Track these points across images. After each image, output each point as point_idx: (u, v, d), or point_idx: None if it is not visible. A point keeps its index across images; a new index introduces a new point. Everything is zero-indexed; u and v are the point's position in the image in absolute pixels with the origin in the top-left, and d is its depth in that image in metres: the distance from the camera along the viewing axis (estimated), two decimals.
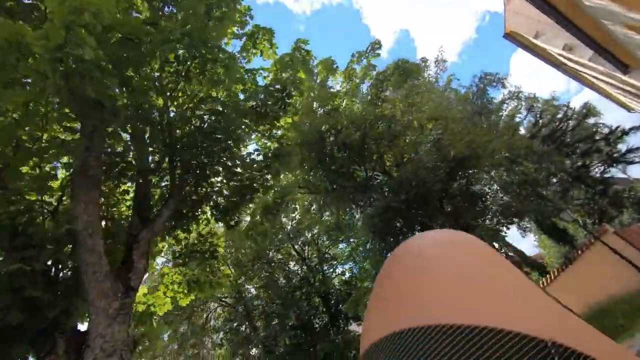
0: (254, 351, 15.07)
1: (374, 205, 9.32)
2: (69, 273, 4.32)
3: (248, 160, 5.19)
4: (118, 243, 4.09)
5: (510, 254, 15.39)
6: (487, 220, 10.67)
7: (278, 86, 5.00)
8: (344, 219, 10.01)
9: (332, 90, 10.68)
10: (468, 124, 16.57)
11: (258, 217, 6.42)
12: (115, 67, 3.61)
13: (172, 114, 4.41)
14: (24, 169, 4.07)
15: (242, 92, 4.95)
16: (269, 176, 5.19)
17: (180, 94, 4.22)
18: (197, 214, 4.84)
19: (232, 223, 5.28)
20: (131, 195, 4.79)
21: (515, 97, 19.50)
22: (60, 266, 4.24)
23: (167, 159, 4.52)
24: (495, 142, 10.66)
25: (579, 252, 13.32)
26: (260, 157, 5.31)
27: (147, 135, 4.29)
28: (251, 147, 6.78)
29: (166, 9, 4.31)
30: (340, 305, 10.83)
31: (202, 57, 3.97)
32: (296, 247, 17.22)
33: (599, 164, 20.32)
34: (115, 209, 4.47)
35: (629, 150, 19.41)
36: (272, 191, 6.97)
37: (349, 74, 10.47)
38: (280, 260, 16.26)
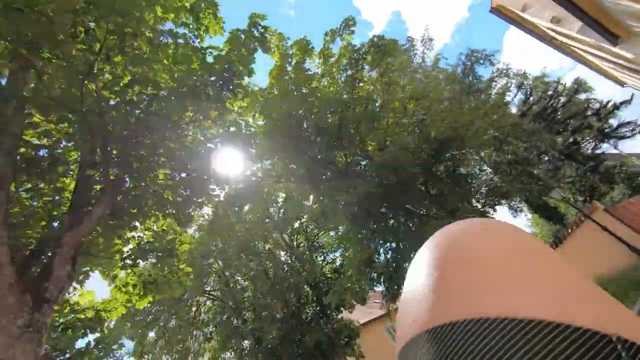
0: (245, 343, 14.88)
1: (350, 192, 8.92)
2: None
3: (202, 150, 4.70)
4: (42, 249, 3.64)
5: None
6: (474, 202, 10.30)
7: (226, 65, 4.47)
8: (328, 207, 9.62)
9: (309, 72, 10.10)
10: (454, 103, 16.09)
11: (221, 210, 5.97)
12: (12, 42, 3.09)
13: (101, 101, 3.88)
14: None
15: (190, 74, 4.41)
16: (223, 166, 4.73)
17: (101, 77, 3.71)
18: (142, 211, 4.39)
19: (185, 220, 4.85)
20: (67, 193, 4.32)
21: (504, 75, 18.90)
22: None
23: (99, 152, 4.02)
24: (480, 121, 10.20)
25: (569, 230, 13.09)
26: (212, 146, 4.82)
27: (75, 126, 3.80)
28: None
29: None
30: (324, 298, 10.57)
31: (119, 31, 3.46)
32: (284, 236, 16.89)
33: (591, 140, 19.99)
34: (40, 209, 4.00)
35: (620, 125, 19.05)
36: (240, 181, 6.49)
37: (324, 55, 9.88)
38: (269, 251, 15.93)
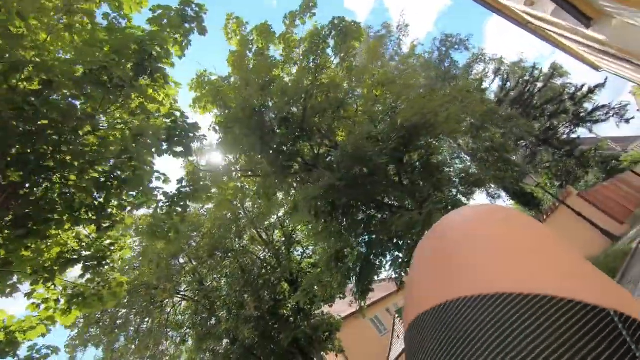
0: (224, 342, 14.40)
1: (313, 185, 8.45)
2: None
3: (113, 148, 4.06)
4: None
5: None
6: (446, 191, 9.96)
7: (142, 47, 3.84)
8: (298, 200, 9.13)
9: (272, 59, 9.47)
10: (426, 89, 15.71)
11: (161, 210, 5.40)
12: None
13: None
14: None
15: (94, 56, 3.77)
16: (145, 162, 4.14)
17: None
18: (50, 217, 3.79)
19: (106, 225, 4.27)
20: None
21: (480, 60, 18.65)
22: None
23: None
24: (451, 107, 9.82)
25: (545, 217, 13.00)
26: (145, 140, 4.20)
27: None
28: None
29: None
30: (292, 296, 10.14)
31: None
32: (259, 231, 16.36)
33: (567, 125, 20.02)
34: None
35: (595, 109, 19.09)
36: (186, 179, 5.89)
37: (285, 40, 9.24)
38: (243, 247, 15.37)
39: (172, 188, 6.86)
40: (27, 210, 3.63)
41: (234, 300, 13.35)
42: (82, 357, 12.92)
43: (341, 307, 17.83)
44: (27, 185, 3.55)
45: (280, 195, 11.00)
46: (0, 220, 3.35)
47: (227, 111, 8.25)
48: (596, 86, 18.34)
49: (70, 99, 3.49)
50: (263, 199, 9.56)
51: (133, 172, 4.04)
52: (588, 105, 19.69)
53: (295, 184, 9.98)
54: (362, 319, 22.72)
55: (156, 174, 5.22)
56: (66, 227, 4.05)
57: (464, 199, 10.56)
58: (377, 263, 9.02)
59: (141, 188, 5.18)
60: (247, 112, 8.31)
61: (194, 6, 5.01)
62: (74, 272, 5.26)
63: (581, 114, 19.53)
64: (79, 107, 3.64)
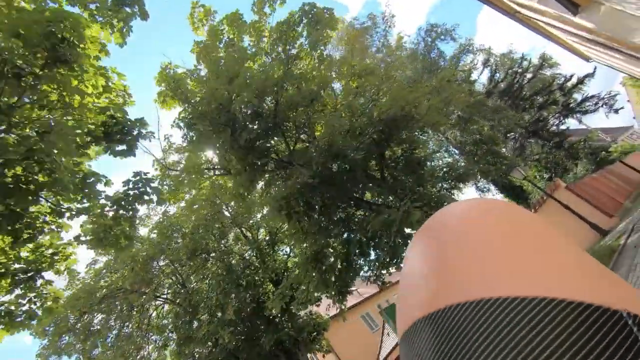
0: (207, 345, 13.95)
1: (280, 184, 8.01)
2: None
3: (12, 149, 3.51)
4: None
5: None
6: (429, 187, 9.54)
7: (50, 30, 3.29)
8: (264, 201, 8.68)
9: (242, 51, 8.92)
10: (409, 81, 15.24)
11: (105, 216, 4.91)
12: None
13: None
14: None
15: None
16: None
17: None
18: None
19: (27, 235, 3.76)
20: None
21: (468, 51, 18.20)
22: None
23: None
24: (433, 98, 9.37)
25: (533, 210, 12.66)
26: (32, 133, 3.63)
27: None
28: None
29: None
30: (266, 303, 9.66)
31: None
32: (243, 230, 15.87)
33: (556, 116, 19.70)
34: None
35: (584, 99, 18.78)
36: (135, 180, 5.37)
37: (255, 29, 8.69)
38: (225, 247, 14.87)
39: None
40: None
41: (214, 303, 12.90)
42: None
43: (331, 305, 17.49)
44: None
45: (257, 194, 10.52)
46: None
47: (188, 106, 7.70)
48: (585, 76, 18.00)
49: None
50: (237, 198, 9.06)
51: (49, 175, 3.53)
52: (578, 96, 19.40)
53: (271, 182, 9.49)
54: (354, 316, 22.49)
55: (94, 177, 4.70)
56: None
57: (449, 195, 10.17)
58: (358, 263, 8.60)
59: (85, 191, 4.68)
60: (214, 106, 7.77)
61: None
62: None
63: (570, 105, 19.22)
64: None
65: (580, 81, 18.29)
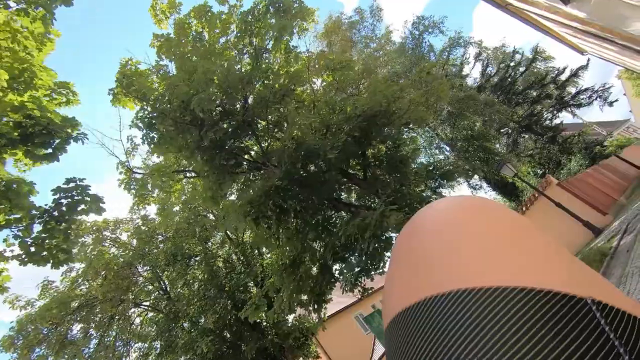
0: (188, 355, 13.42)
1: (247, 188, 7.48)
2: None
3: None
4: None
5: None
6: (412, 186, 9.03)
7: None
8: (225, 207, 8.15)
9: (208, 45, 8.37)
10: (394, 76, 14.70)
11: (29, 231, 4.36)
12: None
13: None
14: None
15: None
16: None
17: None
18: None
19: None
20: None
21: (457, 44, 17.63)
22: None
23: None
24: (415, 93, 8.85)
25: (524, 208, 12.16)
26: None
27: None
28: None
29: None
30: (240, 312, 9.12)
31: None
32: (228, 232, 15.33)
33: (550, 110, 19.20)
34: None
35: (578, 92, 18.28)
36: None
37: (222, 21, 8.12)
38: (209, 252, 14.33)
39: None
40: None
41: (195, 310, 12.39)
42: None
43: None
44: None
45: (233, 196, 9.96)
46: None
47: (146, 104, 7.14)
48: (579, 68, 17.49)
49: None
50: (208, 202, 8.52)
51: None
52: (572, 89, 18.89)
53: (245, 185, 8.96)
54: (348, 317, 22.05)
55: (18, 184, 4.15)
56: None
57: (433, 194, 9.65)
58: (335, 271, 8.08)
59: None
60: (176, 104, 7.22)
61: None
62: None
63: (564, 98, 18.72)
64: None
65: (574, 73, 17.77)
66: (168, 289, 14.55)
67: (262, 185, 6.71)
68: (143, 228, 13.34)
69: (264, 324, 13.42)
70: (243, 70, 7.21)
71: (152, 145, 7.31)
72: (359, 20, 18.58)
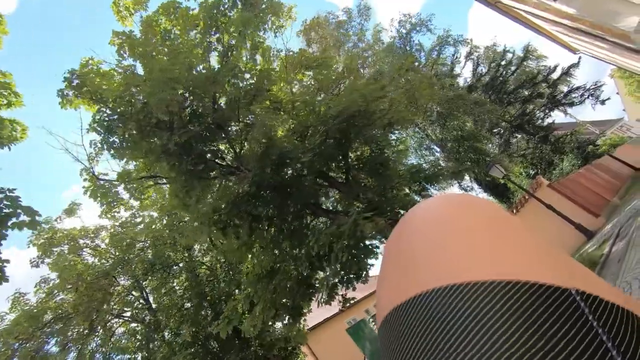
0: None
1: (213, 195, 7.01)
2: None
3: None
4: None
5: None
6: (395, 190, 8.58)
7: None
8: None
9: (175, 43, 7.90)
10: (379, 76, 14.27)
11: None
12: None
13: None
14: None
15: None
16: None
17: None
18: None
19: None
20: None
21: (446, 43, 17.26)
22: None
23: None
24: (397, 93, 8.42)
25: (514, 210, 11.74)
26: None
27: None
28: None
29: None
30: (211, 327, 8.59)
31: None
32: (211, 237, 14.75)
33: (542, 109, 18.86)
34: None
35: (570, 91, 17.96)
36: None
37: (190, 17, 7.65)
38: (190, 259, 13.77)
39: None
40: None
41: (175, 320, 11.85)
42: None
43: (316, 311, 16.53)
44: None
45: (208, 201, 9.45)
46: None
47: (103, 106, 6.65)
48: (570, 66, 17.17)
49: None
50: (179, 208, 8.02)
51: None
52: (564, 88, 18.57)
53: (220, 191, 8.47)
54: (341, 321, 21.56)
55: None
56: None
57: (417, 198, 9.20)
58: (312, 282, 7.61)
59: None
60: (140, 106, 6.73)
61: None
62: None
63: (556, 97, 18.38)
64: None
65: (566, 72, 17.44)
66: (150, 298, 13.99)
67: (226, 191, 6.23)
68: (120, 236, 12.78)
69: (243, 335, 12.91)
70: (210, 69, 6.74)
71: (111, 151, 6.81)
72: (346, 20, 18.19)
